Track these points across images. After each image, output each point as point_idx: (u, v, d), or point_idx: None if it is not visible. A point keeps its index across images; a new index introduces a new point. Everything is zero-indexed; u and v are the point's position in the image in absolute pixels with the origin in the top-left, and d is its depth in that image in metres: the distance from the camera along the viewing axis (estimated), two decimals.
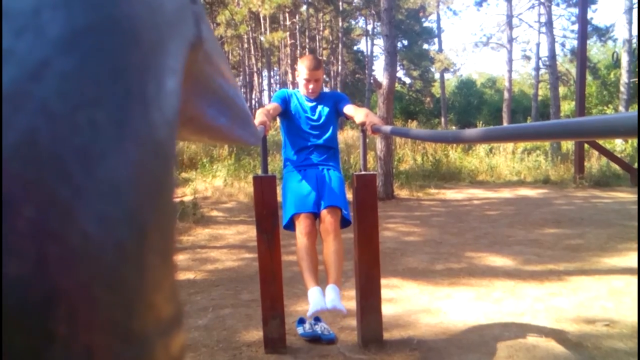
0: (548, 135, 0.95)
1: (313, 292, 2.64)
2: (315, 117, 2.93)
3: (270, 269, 2.94)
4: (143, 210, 0.12)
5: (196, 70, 0.23)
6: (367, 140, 3.21)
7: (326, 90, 3.86)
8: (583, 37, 10.12)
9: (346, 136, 17.34)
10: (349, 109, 2.93)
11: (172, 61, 0.16)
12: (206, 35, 0.23)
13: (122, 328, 0.11)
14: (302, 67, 2.81)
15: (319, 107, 2.94)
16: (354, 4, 27.91)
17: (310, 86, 2.84)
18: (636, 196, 8.26)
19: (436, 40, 28.49)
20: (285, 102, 2.93)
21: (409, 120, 26.62)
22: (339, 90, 27.22)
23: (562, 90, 27.04)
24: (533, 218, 7.21)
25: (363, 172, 3.07)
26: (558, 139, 0.91)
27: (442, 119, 26.57)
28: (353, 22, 32.48)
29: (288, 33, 24.52)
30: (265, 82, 36.91)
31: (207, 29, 0.23)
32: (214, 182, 10.32)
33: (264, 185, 2.97)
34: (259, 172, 3.50)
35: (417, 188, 9.72)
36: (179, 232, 6.42)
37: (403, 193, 9.37)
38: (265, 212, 2.97)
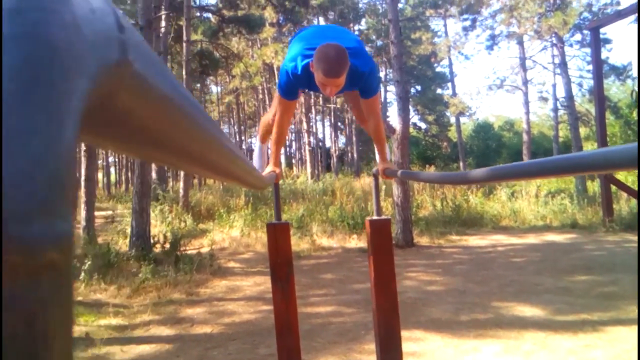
0: (552, 171, 0.96)
1: None
2: None
3: (286, 321, 2.89)
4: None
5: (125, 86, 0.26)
6: (384, 186, 3.21)
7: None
8: (599, 77, 10.19)
9: (363, 183, 17.40)
10: (369, 109, 2.55)
11: (83, 80, 0.19)
12: (134, 58, 0.25)
13: None
14: (318, 68, 2.12)
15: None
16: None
17: (327, 90, 2.22)
18: None
19: (449, 84, 28.91)
20: (297, 93, 2.48)
21: (427, 166, 26.66)
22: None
23: (583, 131, 26.97)
24: (562, 264, 7.04)
25: (376, 217, 3.05)
26: (563, 174, 0.92)
27: (461, 164, 26.53)
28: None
29: None
30: None
31: (137, 54, 0.26)
32: (231, 232, 10.39)
33: (278, 233, 2.96)
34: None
35: (438, 235, 9.61)
36: (196, 284, 6.40)
37: (423, 240, 9.26)
38: (280, 260, 2.95)
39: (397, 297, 3.01)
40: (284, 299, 2.93)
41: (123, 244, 8.88)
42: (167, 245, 8.23)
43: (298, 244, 9.15)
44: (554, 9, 14.05)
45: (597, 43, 10.11)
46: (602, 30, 24.53)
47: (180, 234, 8.98)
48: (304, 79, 2.30)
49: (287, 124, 2.64)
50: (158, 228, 10.07)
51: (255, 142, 3.32)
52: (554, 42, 16.44)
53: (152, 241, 8.32)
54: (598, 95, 10.52)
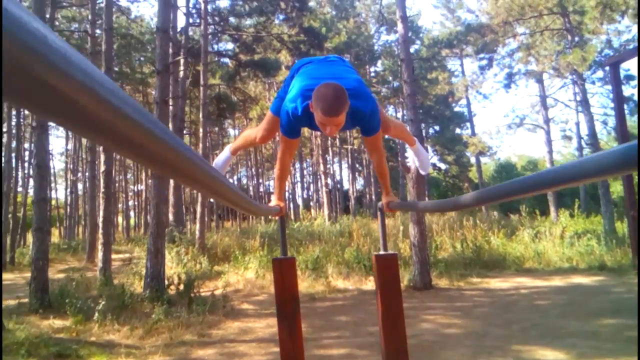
0: (544, 184, 0.96)
1: None
2: None
3: (293, 358, 2.87)
4: None
5: None
6: (402, 227, 3.22)
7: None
8: (621, 113, 10.10)
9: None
10: (372, 146, 2.60)
11: None
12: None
13: None
14: (317, 107, 2.13)
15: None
16: (382, 93, 29.03)
17: (327, 130, 2.22)
18: None
19: (468, 124, 28.99)
20: (299, 132, 2.52)
21: (449, 212, 26.42)
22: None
23: None
24: (588, 307, 6.85)
25: (383, 253, 3.06)
26: (556, 185, 0.91)
27: (483, 207, 26.23)
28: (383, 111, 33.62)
29: None
30: (298, 174, 37.92)
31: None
32: (245, 274, 10.41)
33: (284, 268, 2.98)
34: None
35: (458, 277, 9.45)
36: (208, 326, 6.39)
37: (442, 282, 9.11)
38: (286, 296, 2.96)
39: (406, 337, 2.98)
40: (291, 336, 2.92)
41: (138, 286, 8.93)
42: (181, 287, 8.26)
43: (313, 285, 9.10)
44: (572, 46, 14.18)
45: (617, 79, 10.07)
46: (624, 66, 24.45)
47: (194, 276, 9.01)
48: (304, 119, 2.36)
49: (289, 161, 2.71)
50: (174, 270, 10.13)
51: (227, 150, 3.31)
52: (575, 79, 16.48)
53: (166, 282, 8.36)
54: (621, 132, 10.41)
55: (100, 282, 9.04)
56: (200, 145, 13.77)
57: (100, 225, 9.92)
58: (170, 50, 10.05)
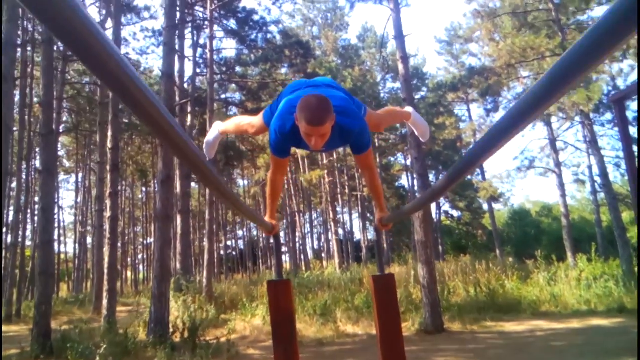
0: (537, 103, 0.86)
1: None
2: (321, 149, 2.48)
3: None
4: None
5: None
6: (413, 272, 3.20)
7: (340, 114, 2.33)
8: (629, 150, 10.11)
9: (393, 272, 17.03)
10: (363, 164, 2.60)
11: None
12: None
13: None
14: (302, 118, 2.13)
15: (328, 146, 2.48)
16: (390, 141, 29.35)
17: (312, 141, 2.19)
18: None
19: (478, 169, 29.05)
20: (288, 151, 2.53)
21: (461, 255, 26.08)
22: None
23: (628, 214, 26.25)
24: (606, 348, 6.65)
25: (380, 274, 3.05)
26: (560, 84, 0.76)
27: (497, 251, 25.91)
28: (392, 159, 33.87)
29: (326, 171, 25.70)
30: (308, 225, 37.89)
31: None
32: (253, 321, 10.29)
33: (279, 291, 2.97)
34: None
35: (471, 321, 9.24)
36: None
37: (455, 326, 8.90)
38: (282, 319, 2.93)
39: (404, 355, 2.92)
40: (286, 355, 2.88)
41: (142, 333, 8.84)
42: (186, 333, 8.15)
43: (321, 330, 8.94)
44: (577, 86, 14.39)
45: (622, 116, 10.13)
46: (634, 107, 24.56)
47: (200, 322, 8.91)
48: (291, 136, 2.37)
49: (280, 181, 2.72)
50: (180, 318, 10.03)
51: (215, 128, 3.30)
52: (582, 120, 16.60)
53: (170, 329, 8.27)
54: (631, 170, 10.39)
55: (104, 329, 8.96)
56: (208, 190, 13.90)
57: (106, 271, 9.93)
58: (177, 98, 10.35)
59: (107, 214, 10.33)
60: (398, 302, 3.02)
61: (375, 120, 2.76)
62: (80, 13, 0.55)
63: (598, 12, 25.99)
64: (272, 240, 3.01)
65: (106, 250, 10.24)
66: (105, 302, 10.03)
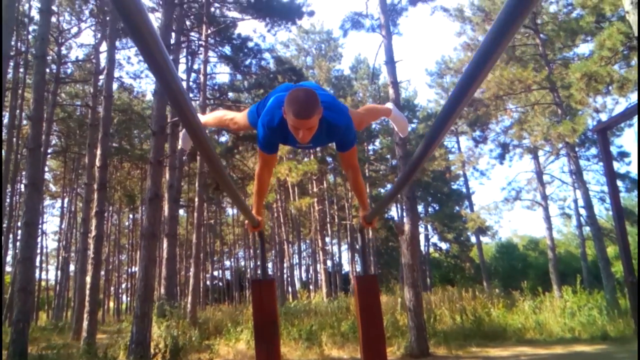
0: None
1: None
2: (308, 145, 2.57)
3: None
4: None
5: None
6: (400, 299, 3.22)
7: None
8: (612, 180, 10.26)
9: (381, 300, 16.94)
10: (347, 162, 2.63)
11: None
12: None
13: None
14: (289, 111, 2.17)
15: (314, 142, 2.51)
16: (381, 172, 29.57)
17: (300, 134, 2.23)
18: None
19: (467, 201, 29.27)
20: (276, 147, 2.57)
21: (449, 287, 26.02)
22: (370, 241, 27.42)
23: (614, 249, 26.40)
24: None
25: (363, 274, 3.08)
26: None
27: (484, 284, 25.90)
28: (382, 190, 33.99)
29: (316, 199, 25.74)
30: (296, 256, 37.61)
31: None
32: (237, 345, 10.15)
33: (263, 290, 2.98)
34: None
35: (457, 346, 9.20)
36: None
37: (440, 351, 8.87)
38: (265, 319, 2.94)
39: (386, 356, 2.94)
40: (267, 355, 2.88)
41: (123, 355, 8.67)
42: (167, 355, 8.03)
43: (306, 354, 8.86)
44: (562, 119, 14.74)
45: (605, 145, 10.35)
46: (618, 142, 24.89)
47: (182, 344, 8.78)
48: (279, 131, 2.41)
49: (267, 177, 2.74)
50: (162, 337, 9.87)
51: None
52: (568, 152, 16.91)
53: (152, 350, 8.13)
54: (614, 199, 10.54)
55: (82, 350, 8.79)
56: (196, 214, 13.87)
57: (87, 292, 9.80)
58: (169, 120, 10.45)
59: (92, 233, 10.26)
60: (381, 305, 3.04)
61: (356, 118, 2.79)
62: None
63: (583, 48, 26.75)
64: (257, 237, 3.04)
65: (89, 270, 10.13)
66: (85, 323, 9.88)
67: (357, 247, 34.91)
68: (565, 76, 14.82)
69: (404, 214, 8.73)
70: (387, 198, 2.83)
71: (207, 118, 3.22)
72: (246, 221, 2.88)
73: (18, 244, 21.43)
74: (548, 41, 17.47)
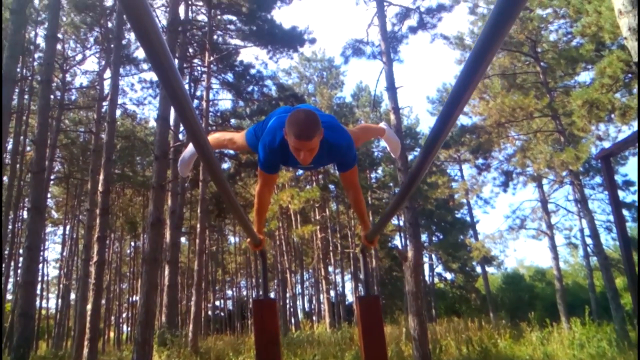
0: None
1: None
2: (309, 165, 2.54)
3: None
4: None
5: None
6: (404, 329, 3.20)
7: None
8: (617, 208, 10.19)
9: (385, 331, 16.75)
10: (348, 182, 2.65)
11: None
12: None
13: None
14: (290, 132, 2.19)
15: (315, 162, 2.51)
16: (384, 200, 29.53)
17: (301, 155, 2.24)
18: None
19: (471, 230, 29.15)
20: (277, 167, 2.59)
21: (455, 318, 25.70)
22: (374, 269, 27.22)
23: (622, 280, 26.13)
24: None
25: (365, 295, 3.07)
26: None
27: (491, 315, 25.57)
28: None
29: (318, 227, 25.67)
30: (299, 286, 37.32)
31: None
32: None
33: (264, 310, 2.98)
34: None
35: None
36: None
37: None
38: (266, 338, 2.92)
39: None
40: None
41: None
42: None
43: None
44: (565, 146, 14.80)
45: (609, 172, 10.35)
46: (623, 171, 24.87)
47: None
48: (280, 152, 2.42)
49: (268, 197, 2.76)
50: None
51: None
52: (572, 180, 16.92)
53: None
54: (620, 227, 10.48)
55: None
56: (197, 240, 13.85)
57: (88, 318, 9.73)
58: (171, 142, 10.55)
59: (94, 259, 10.24)
60: (383, 324, 3.03)
61: (353, 137, 2.86)
62: None
63: (584, 76, 26.98)
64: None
65: (90, 296, 10.07)
66: (85, 351, 9.78)
67: (360, 273, 34.67)
68: (567, 104, 14.94)
69: (407, 242, 8.70)
70: (387, 213, 2.83)
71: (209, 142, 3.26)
72: (248, 240, 2.89)
73: (19, 270, 21.41)
74: (549, 69, 17.65)
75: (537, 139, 17.34)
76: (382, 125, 3.37)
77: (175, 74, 1.01)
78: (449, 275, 36.53)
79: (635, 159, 19.53)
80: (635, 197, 24.72)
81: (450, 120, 1.24)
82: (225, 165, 21.36)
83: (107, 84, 15.71)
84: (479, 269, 30.64)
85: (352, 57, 11.71)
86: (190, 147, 3.22)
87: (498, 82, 17.88)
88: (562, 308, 20.95)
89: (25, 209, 19.05)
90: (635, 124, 13.36)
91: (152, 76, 19.13)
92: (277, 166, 2.58)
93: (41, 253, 23.19)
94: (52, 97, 15.21)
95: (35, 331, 23.21)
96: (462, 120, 23.11)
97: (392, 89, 9.46)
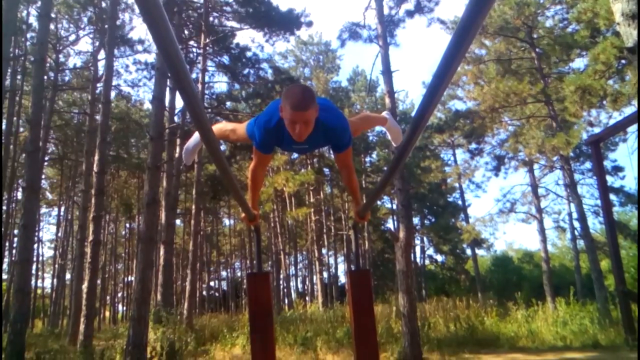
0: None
1: None
2: (303, 147, 2.61)
3: None
4: None
5: None
6: (394, 308, 3.26)
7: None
8: (605, 192, 10.46)
9: (376, 310, 17.00)
10: (342, 162, 2.69)
11: None
12: None
13: None
14: (286, 104, 2.21)
15: (310, 143, 2.53)
16: (377, 184, 29.65)
17: (297, 129, 2.25)
18: None
19: (462, 214, 29.41)
20: (271, 147, 2.61)
21: (444, 299, 26.07)
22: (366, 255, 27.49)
23: (607, 263, 26.48)
24: None
25: (356, 269, 3.16)
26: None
27: (479, 295, 25.93)
28: (378, 203, 34.08)
29: (312, 209, 25.80)
30: (293, 268, 37.58)
31: None
32: (232, 351, 10.21)
33: (258, 283, 3.07)
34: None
35: (450, 353, 9.27)
36: None
37: (433, 357, 8.93)
38: (259, 310, 3.02)
39: (377, 350, 3.02)
40: (262, 350, 2.96)
41: (120, 358, 8.70)
42: (164, 357, 8.06)
43: (300, 359, 8.90)
44: (557, 132, 14.92)
45: (598, 157, 10.51)
46: (612, 157, 25.00)
47: (178, 346, 8.82)
48: (275, 132, 2.44)
49: (261, 174, 2.85)
50: (159, 340, 9.90)
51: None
52: (562, 165, 17.08)
53: (148, 353, 8.16)
54: (606, 210, 10.66)
55: (79, 352, 8.82)
56: (192, 222, 13.93)
57: (84, 295, 9.83)
58: (167, 124, 10.56)
59: (90, 238, 10.31)
60: (373, 299, 3.13)
61: (352, 125, 2.85)
62: None
63: (579, 63, 27.03)
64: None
65: (86, 275, 10.17)
66: (82, 327, 9.90)
67: (352, 254, 34.94)
68: (560, 90, 15.02)
69: (400, 223, 8.83)
70: (378, 188, 2.93)
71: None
72: (243, 215, 2.98)
73: (14, 251, 21.43)
74: (544, 55, 17.68)
75: (529, 124, 17.46)
76: (385, 114, 3.41)
77: (178, 54, 1.07)
78: (439, 257, 36.94)
79: (625, 145, 19.69)
80: (624, 182, 24.97)
81: (437, 93, 1.32)
82: (221, 147, 21.36)
83: (101, 65, 15.62)
84: (469, 252, 30.99)
85: (348, 41, 11.68)
86: (195, 137, 3.29)
87: (493, 67, 17.90)
88: (548, 289, 21.30)
89: (20, 188, 19.05)
90: (627, 110, 13.50)
91: (147, 58, 19.01)
92: (272, 146, 2.62)
93: (36, 233, 23.22)
94: (45, 77, 15.10)
95: (31, 309, 23.30)
96: (457, 105, 23.12)
97: (387, 72, 9.49)
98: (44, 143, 15.95)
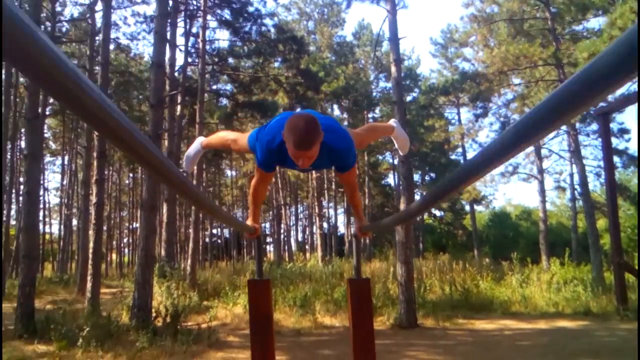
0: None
1: None
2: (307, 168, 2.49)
3: None
4: None
5: None
6: (392, 268, 3.32)
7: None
8: (610, 163, 10.46)
9: (373, 267, 17.34)
10: (346, 181, 2.68)
11: None
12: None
13: None
14: (289, 140, 2.12)
15: (314, 166, 2.44)
16: (380, 139, 29.53)
17: (300, 162, 2.19)
18: None
19: None
20: (273, 167, 2.57)
21: (440, 253, 26.49)
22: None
23: (604, 222, 26.73)
24: (569, 348, 6.96)
25: (356, 278, 3.20)
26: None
27: (475, 252, 26.34)
28: (380, 157, 34.09)
29: None
30: (293, 218, 38.04)
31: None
32: (234, 309, 10.48)
33: (259, 291, 3.12)
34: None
35: (444, 318, 9.52)
36: (192, 355, 6.45)
37: (428, 322, 9.18)
38: (259, 316, 3.09)
39: (374, 355, 3.11)
40: (262, 351, 3.04)
41: (126, 317, 8.98)
42: (168, 318, 8.30)
43: (299, 321, 9.16)
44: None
45: (606, 129, 10.44)
46: (620, 119, 24.67)
47: (182, 308, 9.07)
48: (278, 154, 2.38)
49: (263, 191, 2.83)
50: (163, 304, 10.18)
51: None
52: (568, 129, 16.93)
53: (153, 314, 8.41)
54: (609, 180, 10.70)
55: (87, 311, 9.07)
56: (195, 182, 13.98)
57: (90, 256, 10.01)
58: (168, 87, 10.40)
59: (93, 199, 10.38)
60: (372, 306, 3.20)
61: (358, 138, 2.80)
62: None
63: (594, 23, 26.28)
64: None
65: (91, 235, 10.31)
66: (89, 285, 10.12)
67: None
68: (572, 52, 14.61)
69: (400, 188, 8.86)
70: (382, 225, 2.94)
71: (210, 140, 3.24)
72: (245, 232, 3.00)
73: (20, 205, 21.61)
74: (558, 14, 17.03)
75: (538, 87, 17.13)
76: (392, 122, 3.32)
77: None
78: (438, 212, 37.26)
79: (633, 107, 19.40)
80: (628, 145, 24.81)
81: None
82: (224, 101, 21.11)
83: (99, 17, 15.15)
84: (467, 207, 31.24)
85: (355, 1, 11.29)
86: (196, 144, 3.25)
87: (504, 27, 17.31)
88: (544, 248, 21.63)
89: (21, 143, 18.99)
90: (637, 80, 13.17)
91: (147, 9, 18.41)
92: (274, 166, 2.57)
93: (41, 182, 23.34)
94: (42, 28, 14.75)
95: (41, 254, 23.73)
96: (464, 66, 22.60)
97: (394, 39, 9.24)
98: (44, 97, 15.73)
